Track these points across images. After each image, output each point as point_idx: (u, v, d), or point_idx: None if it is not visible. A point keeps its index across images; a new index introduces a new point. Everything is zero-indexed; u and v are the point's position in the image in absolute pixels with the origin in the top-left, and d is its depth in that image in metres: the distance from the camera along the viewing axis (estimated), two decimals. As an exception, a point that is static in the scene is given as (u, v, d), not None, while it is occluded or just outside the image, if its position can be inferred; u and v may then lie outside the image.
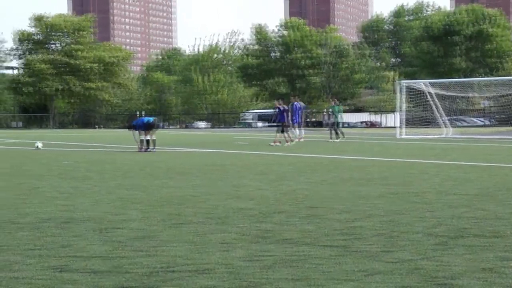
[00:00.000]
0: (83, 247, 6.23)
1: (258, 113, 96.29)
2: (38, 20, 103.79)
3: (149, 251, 6.03)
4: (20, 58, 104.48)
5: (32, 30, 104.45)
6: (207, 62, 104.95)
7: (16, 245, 6.32)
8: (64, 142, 36.08)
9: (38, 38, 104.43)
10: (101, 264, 5.52)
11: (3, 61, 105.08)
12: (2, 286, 4.85)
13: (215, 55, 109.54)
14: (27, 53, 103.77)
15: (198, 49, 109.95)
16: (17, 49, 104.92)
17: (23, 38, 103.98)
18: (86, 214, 8.28)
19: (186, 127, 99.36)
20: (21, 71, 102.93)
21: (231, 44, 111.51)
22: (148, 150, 24.72)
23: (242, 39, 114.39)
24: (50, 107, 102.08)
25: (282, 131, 31.48)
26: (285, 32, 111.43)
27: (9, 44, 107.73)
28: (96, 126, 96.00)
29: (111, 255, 5.87)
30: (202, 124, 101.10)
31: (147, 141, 25.09)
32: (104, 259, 5.73)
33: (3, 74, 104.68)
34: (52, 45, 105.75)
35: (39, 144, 27.53)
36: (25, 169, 16.46)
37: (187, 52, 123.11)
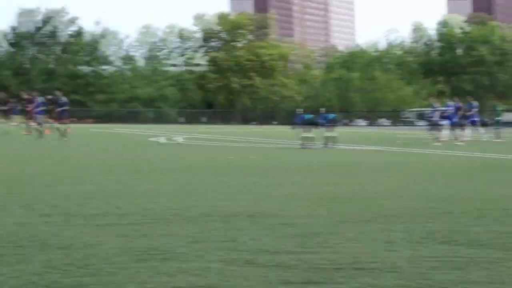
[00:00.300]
0: (247, 242, 6.28)
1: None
2: (223, 18, 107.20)
3: (313, 248, 5.99)
4: (205, 55, 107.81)
5: (196, 28, 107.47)
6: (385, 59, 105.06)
7: (184, 237, 6.46)
8: (238, 137, 36.84)
9: (223, 36, 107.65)
10: (267, 259, 5.53)
11: (168, 59, 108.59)
12: (172, 275, 4.97)
13: (374, 52, 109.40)
14: (210, 50, 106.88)
15: (376, 47, 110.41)
16: (201, 46, 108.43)
17: (207, 36, 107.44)
18: (250, 209, 8.35)
19: (346, 124, 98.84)
20: (204, 68, 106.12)
21: (392, 41, 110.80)
22: (328, 146, 25.24)
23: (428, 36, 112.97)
24: (233, 103, 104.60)
25: (462, 129, 31.36)
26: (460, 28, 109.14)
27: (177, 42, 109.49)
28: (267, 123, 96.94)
29: (276, 250, 5.87)
30: (362, 121, 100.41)
31: (326, 137, 25.62)
32: (269, 254, 5.74)
33: (166, 71, 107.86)
34: (236, 43, 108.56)
35: (161, 140, 27.74)
36: (191, 163, 16.91)
37: (343, 49, 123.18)
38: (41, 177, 12.40)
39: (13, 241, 6.17)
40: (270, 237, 6.49)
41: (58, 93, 32.86)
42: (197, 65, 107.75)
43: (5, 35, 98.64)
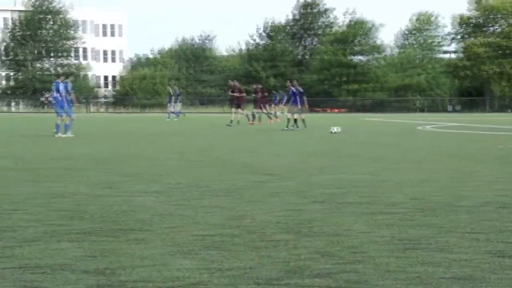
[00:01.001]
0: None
1: None
2: (478, 3, 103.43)
3: None
4: (459, 42, 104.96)
5: (471, 13, 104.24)
6: None
7: (454, 227, 6.28)
8: (497, 126, 35.41)
9: (478, 21, 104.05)
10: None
11: (441, 46, 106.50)
12: (441, 266, 4.83)
13: None
14: (466, 36, 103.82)
15: None
16: (456, 33, 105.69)
17: (462, 22, 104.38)
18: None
19: None
20: (460, 55, 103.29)
21: None
22: None
23: None
24: (487, 90, 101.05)
25: None
26: None
27: (448, 28, 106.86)
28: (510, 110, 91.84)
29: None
30: None
31: None
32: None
33: (442, 58, 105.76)
34: (491, 28, 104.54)
35: (335, 129, 26.24)
36: (463, 152, 16.47)
37: None
38: (306, 167, 12.69)
39: (281, 227, 6.35)
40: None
41: (294, 82, 32.66)
42: (451, 52, 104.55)
43: (265, 28, 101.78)
